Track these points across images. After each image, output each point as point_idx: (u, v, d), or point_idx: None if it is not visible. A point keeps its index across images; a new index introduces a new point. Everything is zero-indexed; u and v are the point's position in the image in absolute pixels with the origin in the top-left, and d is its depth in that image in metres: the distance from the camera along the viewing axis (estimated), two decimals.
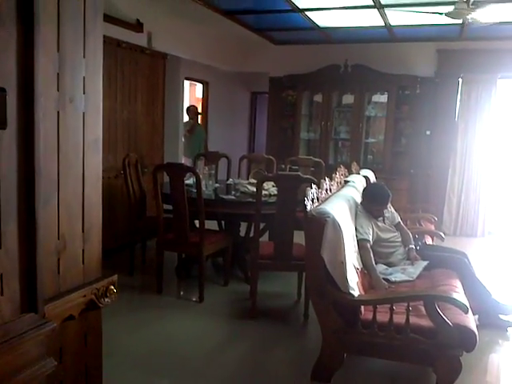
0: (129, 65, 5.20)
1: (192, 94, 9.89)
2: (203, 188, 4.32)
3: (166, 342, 3.17)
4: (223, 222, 4.79)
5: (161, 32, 5.58)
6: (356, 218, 3.42)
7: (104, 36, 4.62)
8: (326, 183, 3.30)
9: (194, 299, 3.87)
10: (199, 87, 8.70)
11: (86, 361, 1.61)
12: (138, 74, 5.38)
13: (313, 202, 2.83)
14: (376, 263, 3.46)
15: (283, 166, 5.61)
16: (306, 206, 2.67)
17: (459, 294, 2.78)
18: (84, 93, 1.49)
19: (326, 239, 2.59)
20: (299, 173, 3.45)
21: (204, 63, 7.05)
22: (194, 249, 3.80)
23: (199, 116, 8.02)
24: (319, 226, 2.60)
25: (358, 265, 3.12)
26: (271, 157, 5.64)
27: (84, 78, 1.49)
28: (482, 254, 5.58)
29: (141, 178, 4.64)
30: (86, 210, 1.50)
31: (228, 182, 5.05)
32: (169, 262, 4.61)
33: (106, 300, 1.56)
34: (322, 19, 5.57)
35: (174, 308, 3.73)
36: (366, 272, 3.20)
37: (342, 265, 2.61)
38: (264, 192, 4.27)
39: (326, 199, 3.12)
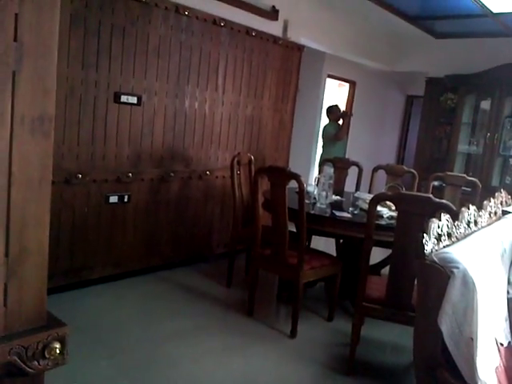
0: (258, 56, 4.73)
1: (340, 95, 9.14)
2: (318, 200, 3.68)
3: (233, 381, 2.60)
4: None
5: (299, 21, 5.02)
6: (511, 267, 2.41)
7: (232, 22, 4.29)
8: (470, 213, 2.35)
9: (286, 332, 3.20)
10: (346, 89, 7.91)
11: None
12: (268, 67, 4.88)
13: (439, 240, 1.96)
14: None
15: (435, 184, 4.53)
16: (423, 245, 1.82)
17: None
18: (16, 39, 0.95)
19: (448, 301, 1.72)
20: (431, 195, 2.56)
21: (350, 60, 6.30)
22: (290, 272, 3.15)
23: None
24: (440, 279, 1.74)
25: (505, 339, 2.14)
26: (412, 170, 4.67)
27: (17, 14, 0.94)
28: None
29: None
30: (13, 225, 0.97)
31: (355, 195, 4.27)
32: (273, 279, 4.04)
33: (44, 363, 1.01)
34: (496, 2, 4.40)
35: (260, 339, 3.12)
36: None
37: (472, 343, 1.71)
38: (390, 213, 3.42)
39: (464, 238, 2.19)
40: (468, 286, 1.73)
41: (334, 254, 4.14)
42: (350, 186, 4.97)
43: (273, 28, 4.78)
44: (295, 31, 5.01)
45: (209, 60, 4.24)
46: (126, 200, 3.78)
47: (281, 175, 3.05)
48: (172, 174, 4.08)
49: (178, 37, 3.94)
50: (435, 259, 1.79)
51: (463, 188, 4.37)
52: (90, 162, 3.52)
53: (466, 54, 5.96)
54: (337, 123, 6.00)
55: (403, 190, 4.37)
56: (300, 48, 5.22)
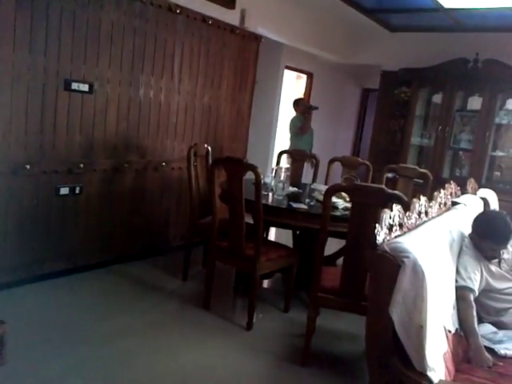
0: (215, 45, 4.67)
1: (298, 87, 9.18)
2: (275, 192, 3.68)
3: (189, 375, 2.57)
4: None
5: (256, 11, 4.97)
6: (459, 256, 2.49)
7: (187, 9, 4.20)
8: (421, 204, 2.41)
9: (242, 325, 3.19)
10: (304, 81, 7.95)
11: None
12: (225, 56, 4.83)
13: (390, 230, 1.99)
14: (481, 321, 2.51)
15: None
16: (375, 235, 1.85)
17: None
18: None
19: (399, 290, 1.75)
20: (383, 186, 2.61)
21: (307, 51, 6.32)
22: (247, 264, 3.14)
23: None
24: (391, 269, 1.77)
25: (452, 325, 2.21)
26: (367, 162, 4.76)
27: None
28: None
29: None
30: None
31: (312, 187, 4.30)
32: (230, 271, 4.01)
33: None
34: None
35: (216, 332, 3.09)
36: (463, 335, 2.28)
37: (421, 330, 1.75)
38: (346, 204, 3.47)
39: (415, 228, 2.25)
40: (418, 274, 1.77)
41: (292, 245, 4.15)
42: (307, 177, 5.01)
43: (230, 17, 4.72)
44: (253, 21, 4.96)
45: (164, 48, 4.14)
46: (77, 192, 3.66)
47: (237, 166, 3.03)
48: (126, 165, 3.98)
49: (131, 23, 3.82)
50: (386, 249, 1.82)
51: (415, 179, 4.49)
52: (39, 152, 3.37)
53: (419, 48, 6.09)
54: (303, 116, 6.02)
55: (358, 182, 4.45)
56: (257, 38, 5.19)
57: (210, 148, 4.14)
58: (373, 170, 4.66)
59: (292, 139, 6.08)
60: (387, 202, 2.46)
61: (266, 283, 4.13)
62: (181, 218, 4.60)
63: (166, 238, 4.53)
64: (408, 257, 1.78)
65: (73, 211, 3.68)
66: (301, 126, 5.92)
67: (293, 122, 6.05)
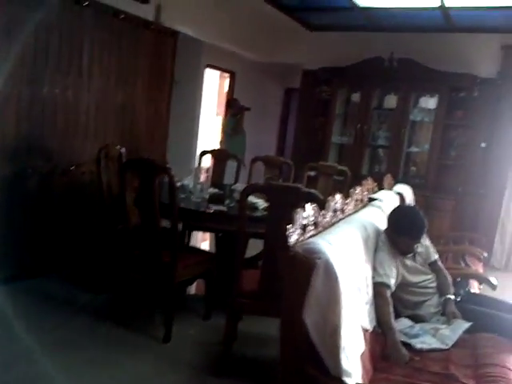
0: (128, 41, 4.42)
1: (221, 87, 9.07)
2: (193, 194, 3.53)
3: None
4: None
5: (173, 6, 4.78)
6: (376, 252, 2.48)
7: (96, 2, 3.91)
8: (336, 201, 2.37)
9: (160, 337, 2.99)
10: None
11: None
12: (140, 53, 4.59)
13: (304, 229, 1.92)
14: (399, 315, 2.52)
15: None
16: (287, 236, 1.76)
17: None
18: None
19: (312, 292, 1.68)
20: (299, 185, 2.55)
21: (229, 49, 6.21)
22: (163, 272, 2.95)
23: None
24: (304, 270, 1.69)
25: (369, 324, 2.18)
26: (288, 161, 4.74)
27: None
28: None
29: None
30: None
31: (232, 187, 4.18)
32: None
33: None
34: None
35: (131, 347, 2.86)
36: (381, 332, 2.26)
37: (336, 333, 1.69)
38: (266, 205, 3.39)
39: (331, 226, 2.20)
40: (330, 275, 1.71)
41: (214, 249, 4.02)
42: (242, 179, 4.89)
43: (144, 11, 4.50)
44: (169, 16, 4.77)
45: (71, 42, 3.85)
46: None
47: (149, 169, 2.84)
48: (30, 170, 3.64)
49: (32, 16, 3.50)
50: (299, 250, 1.75)
51: (336, 177, 4.53)
52: None
53: (338, 47, 6.18)
54: (236, 117, 5.89)
55: (278, 181, 4.41)
56: (174, 34, 5.00)
57: (123, 149, 3.89)
58: (296, 169, 4.63)
59: (225, 141, 5.98)
60: (303, 200, 2.39)
61: (186, 290, 3.95)
62: (93, 226, 4.29)
63: (76, 248, 4.19)
64: (320, 257, 1.71)
65: None
66: (233, 128, 5.83)
67: (225, 123, 5.95)
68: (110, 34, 4.20)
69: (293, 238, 1.80)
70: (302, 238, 1.86)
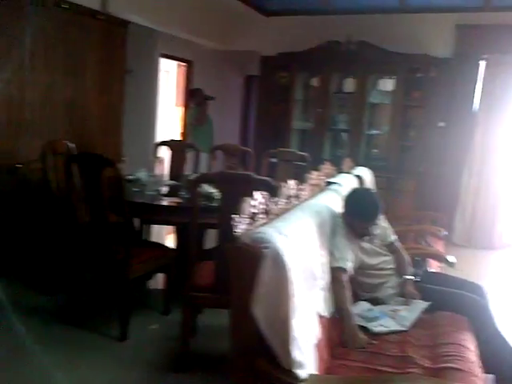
0: (74, 32, 4.23)
1: (180, 77, 8.86)
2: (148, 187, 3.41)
3: None
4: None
5: None
6: (332, 237, 2.43)
7: None
8: (290, 187, 2.30)
9: (116, 335, 2.89)
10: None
11: None
12: (88, 44, 4.40)
13: (253, 218, 1.84)
14: (358, 299, 2.49)
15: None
16: (233, 226, 1.69)
17: None
18: None
19: (261, 284, 1.61)
20: (250, 173, 2.48)
21: (184, 38, 6.05)
22: (116, 269, 2.84)
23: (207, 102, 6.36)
24: (251, 262, 1.62)
25: (326, 310, 2.14)
26: (248, 148, 4.66)
27: None
28: (499, 271, 4.55)
29: None
30: None
31: (188, 178, 4.07)
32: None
33: None
34: None
35: (86, 348, 2.75)
36: (338, 317, 2.22)
37: (287, 324, 1.63)
38: None
39: (284, 213, 2.13)
40: (279, 264, 1.64)
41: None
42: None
43: (88, 1, 4.30)
44: (117, 4, 4.59)
45: (9, 33, 3.64)
46: None
47: (94, 162, 2.71)
48: None
49: None
50: (246, 240, 1.67)
51: (298, 163, 4.47)
52: None
53: (295, 32, 6.11)
54: (199, 107, 5.77)
55: (239, 169, 4.33)
56: (124, 23, 4.81)
57: (73, 145, 3.71)
58: (259, 157, 4.55)
59: (191, 131, 5.86)
60: (255, 188, 2.32)
61: (143, 285, 3.83)
62: (44, 225, 4.10)
63: (27, 249, 3.99)
64: (268, 247, 1.64)
65: None
66: (196, 117, 5.72)
67: (189, 113, 5.82)
68: (53, 24, 4.00)
69: (240, 228, 1.72)
70: (250, 227, 1.78)
